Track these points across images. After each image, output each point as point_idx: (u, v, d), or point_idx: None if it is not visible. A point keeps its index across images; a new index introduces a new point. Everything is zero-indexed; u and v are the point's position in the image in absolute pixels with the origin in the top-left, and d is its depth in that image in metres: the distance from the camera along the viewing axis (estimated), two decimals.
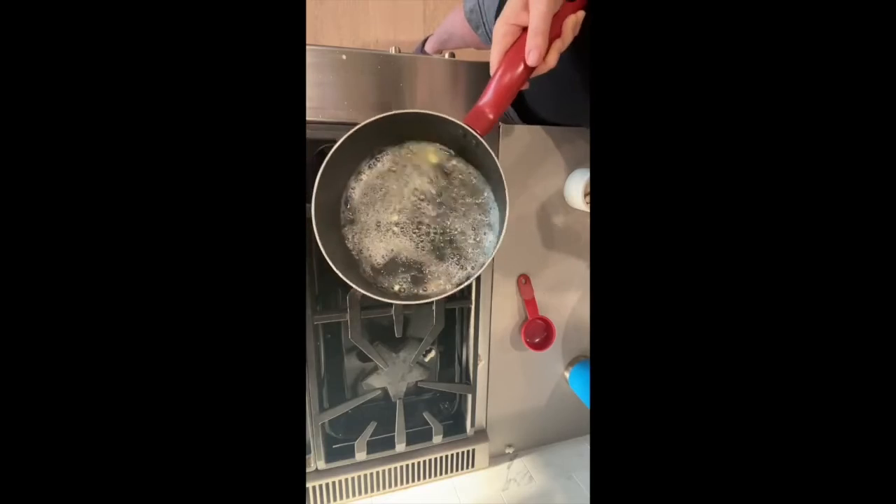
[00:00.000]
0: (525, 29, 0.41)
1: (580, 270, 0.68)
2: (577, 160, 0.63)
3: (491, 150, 0.46)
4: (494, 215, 0.53)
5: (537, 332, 0.69)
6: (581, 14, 0.42)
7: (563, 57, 0.46)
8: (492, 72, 0.44)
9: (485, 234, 0.53)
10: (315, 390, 0.58)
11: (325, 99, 0.50)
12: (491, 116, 0.44)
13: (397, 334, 0.61)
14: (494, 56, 0.43)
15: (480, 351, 0.65)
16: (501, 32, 0.42)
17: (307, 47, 0.48)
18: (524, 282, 0.65)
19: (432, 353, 0.70)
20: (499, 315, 0.65)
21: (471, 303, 0.63)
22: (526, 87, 0.44)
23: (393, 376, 0.65)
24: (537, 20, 0.40)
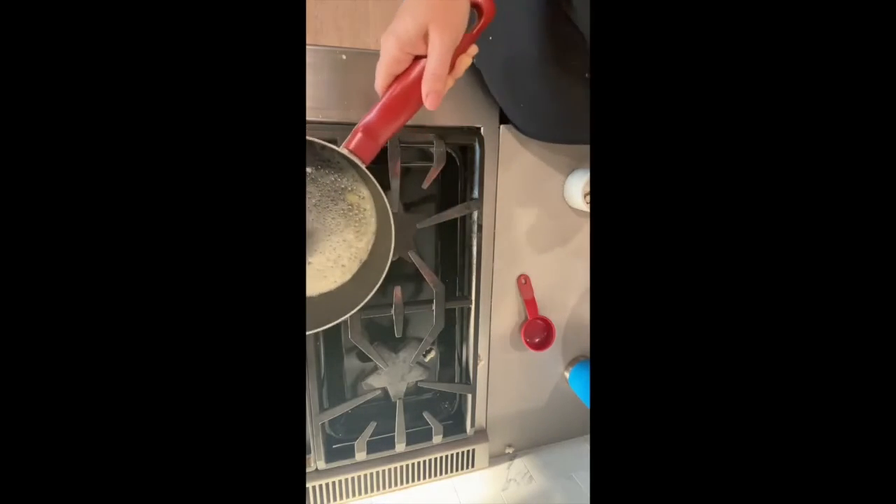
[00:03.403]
0: (418, 57, 0.38)
1: (580, 270, 0.68)
2: (577, 160, 0.63)
3: (374, 179, 0.44)
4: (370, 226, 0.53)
5: (537, 332, 0.69)
6: (474, 49, 0.39)
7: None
8: (377, 90, 0.40)
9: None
10: (315, 390, 0.58)
11: (325, 99, 0.50)
12: (370, 142, 0.41)
13: (397, 334, 0.61)
14: (381, 78, 0.39)
15: (480, 351, 0.65)
16: (392, 57, 0.37)
17: (307, 47, 0.48)
18: (524, 282, 0.65)
19: (432, 353, 0.70)
20: (499, 315, 0.66)
21: (471, 303, 0.63)
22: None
23: (393, 376, 0.65)
24: (438, 64, 0.36)
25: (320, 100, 0.50)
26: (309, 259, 0.53)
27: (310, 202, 0.51)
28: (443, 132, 0.55)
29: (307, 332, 0.50)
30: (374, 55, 0.51)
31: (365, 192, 0.52)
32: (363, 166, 0.42)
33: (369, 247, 0.54)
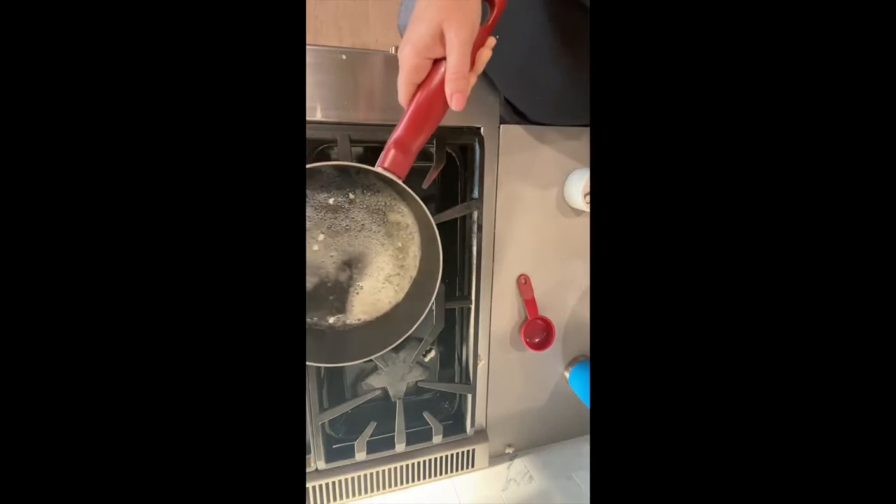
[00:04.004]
0: (437, 61, 0.37)
1: (580, 270, 0.68)
2: (577, 160, 0.63)
3: (413, 193, 0.43)
4: (414, 249, 0.54)
5: (537, 332, 0.69)
6: (492, 41, 0.38)
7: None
8: (402, 103, 0.40)
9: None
10: (315, 390, 0.58)
11: (325, 99, 0.50)
12: (403, 157, 0.41)
13: None
14: (404, 89, 0.39)
15: (480, 351, 0.65)
16: (412, 65, 0.37)
17: (307, 47, 0.48)
18: (524, 282, 0.65)
19: (432, 353, 0.70)
20: (499, 315, 0.65)
21: (471, 303, 0.63)
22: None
23: (393, 376, 0.65)
24: (459, 61, 0.35)
25: (320, 100, 0.50)
26: (360, 283, 0.54)
27: (355, 227, 0.52)
28: (443, 132, 0.55)
29: (372, 356, 0.50)
30: (375, 55, 0.51)
31: (404, 207, 0.53)
32: (401, 182, 0.42)
33: (417, 262, 0.55)
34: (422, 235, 0.54)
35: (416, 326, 0.50)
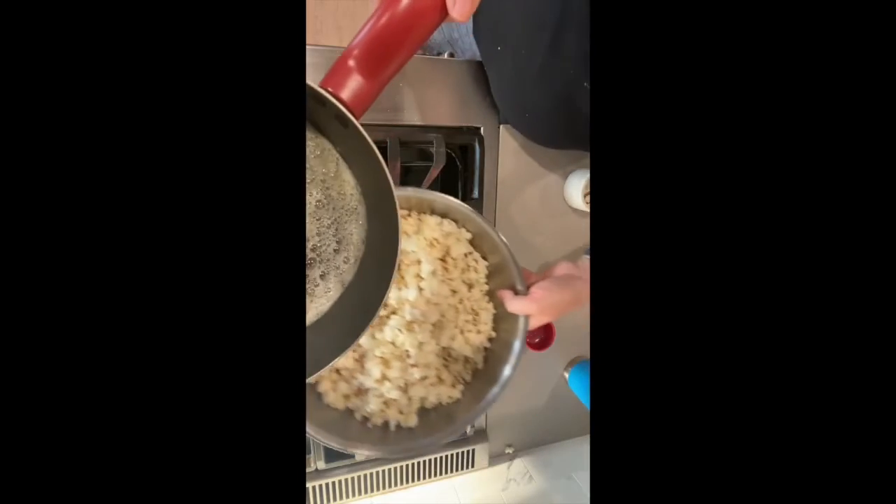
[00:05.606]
0: None
1: None
2: (577, 160, 0.63)
3: (364, 131, 0.28)
4: (357, 225, 0.36)
5: (537, 332, 0.69)
6: None
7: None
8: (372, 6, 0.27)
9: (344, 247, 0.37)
10: None
11: None
12: (361, 78, 0.26)
13: None
14: None
15: None
16: None
17: (307, 47, 0.48)
18: None
19: None
20: None
21: None
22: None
23: None
24: None
25: None
26: None
27: None
28: (443, 132, 0.55)
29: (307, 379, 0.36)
30: None
31: (339, 165, 0.33)
32: (355, 121, 0.27)
33: (359, 252, 0.38)
34: (368, 211, 0.35)
35: (355, 343, 0.34)
